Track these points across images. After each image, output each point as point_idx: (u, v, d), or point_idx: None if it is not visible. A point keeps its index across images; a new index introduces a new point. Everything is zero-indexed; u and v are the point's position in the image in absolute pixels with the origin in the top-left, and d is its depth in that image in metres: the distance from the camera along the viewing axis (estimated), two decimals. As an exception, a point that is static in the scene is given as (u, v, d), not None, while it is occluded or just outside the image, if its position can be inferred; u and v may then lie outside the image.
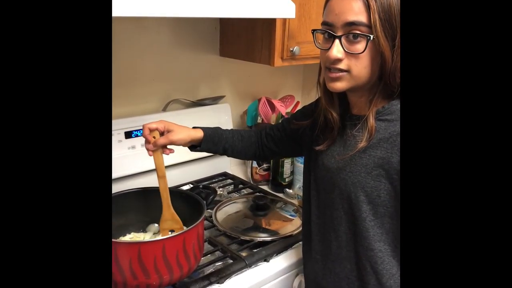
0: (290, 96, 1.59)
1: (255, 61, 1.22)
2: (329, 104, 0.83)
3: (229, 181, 1.40)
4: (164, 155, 0.91)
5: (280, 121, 1.05)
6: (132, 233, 1.00)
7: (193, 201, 0.96)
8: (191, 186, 1.34)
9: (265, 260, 0.98)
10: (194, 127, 0.97)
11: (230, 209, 1.19)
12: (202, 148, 0.96)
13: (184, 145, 0.94)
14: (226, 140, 0.99)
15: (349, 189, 0.78)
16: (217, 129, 1.00)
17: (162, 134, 0.90)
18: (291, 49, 1.15)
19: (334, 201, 0.81)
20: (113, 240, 0.79)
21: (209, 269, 0.95)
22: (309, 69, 1.69)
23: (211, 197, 0.99)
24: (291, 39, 1.15)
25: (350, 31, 0.71)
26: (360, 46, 0.71)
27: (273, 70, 1.57)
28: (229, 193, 1.31)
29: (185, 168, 1.34)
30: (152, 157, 0.90)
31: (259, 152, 1.04)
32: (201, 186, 1.03)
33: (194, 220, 0.95)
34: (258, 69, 1.47)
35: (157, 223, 1.02)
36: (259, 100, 1.49)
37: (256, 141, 1.04)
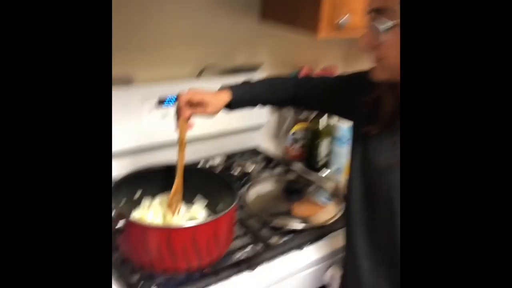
0: (331, 68, 1.49)
1: (298, 28, 1.12)
2: (388, 89, 0.75)
3: (261, 157, 1.34)
4: None
5: (329, 78, 0.97)
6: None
7: (226, 183, 0.91)
8: (222, 160, 1.28)
9: (297, 249, 0.93)
10: (222, 87, 0.91)
11: (261, 189, 1.13)
12: (231, 111, 0.92)
13: None
14: (259, 96, 0.94)
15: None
16: (247, 86, 0.93)
17: (193, 105, 0.85)
18: (339, 19, 1.04)
19: (381, 199, 0.74)
20: (143, 223, 0.74)
21: (239, 254, 0.90)
22: (355, 40, 1.56)
23: (244, 179, 0.92)
24: (339, 8, 1.04)
25: (384, 17, 0.65)
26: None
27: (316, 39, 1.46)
28: (260, 170, 1.25)
29: (216, 141, 1.28)
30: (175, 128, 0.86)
31: (296, 104, 1.00)
32: (234, 166, 0.96)
33: (226, 204, 0.90)
34: (300, 36, 1.36)
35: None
36: (299, 70, 1.39)
37: (294, 92, 0.97)
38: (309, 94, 0.95)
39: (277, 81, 0.98)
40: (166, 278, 0.80)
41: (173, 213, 0.88)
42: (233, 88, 0.91)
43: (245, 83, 0.94)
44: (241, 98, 0.91)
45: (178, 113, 0.85)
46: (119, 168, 1.12)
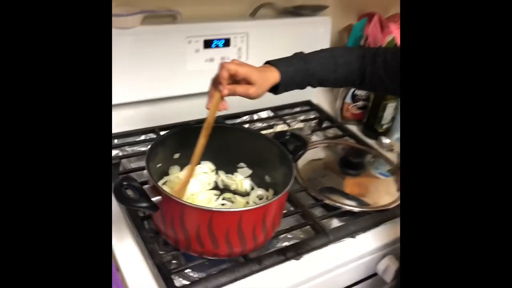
0: (405, 16, 1.26)
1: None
2: None
3: (313, 114, 1.19)
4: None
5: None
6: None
7: (280, 154, 0.77)
8: (269, 115, 1.14)
9: (351, 237, 0.81)
10: (267, 62, 0.73)
11: (312, 155, 1.00)
12: (276, 94, 0.75)
13: None
14: (313, 76, 0.75)
15: None
16: (301, 62, 0.74)
17: (236, 81, 0.68)
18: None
19: None
20: (182, 201, 0.63)
21: (286, 239, 0.79)
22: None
23: (300, 152, 0.79)
24: None
25: None
26: None
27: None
28: (312, 131, 1.10)
29: (265, 92, 1.13)
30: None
31: (360, 81, 0.79)
32: (288, 134, 0.82)
33: (275, 177, 0.79)
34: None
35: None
36: (369, 17, 1.18)
37: (359, 68, 0.77)
38: (380, 70, 0.75)
39: (337, 53, 0.77)
40: (204, 262, 0.70)
41: None
42: (282, 65, 0.72)
43: (297, 57, 0.75)
44: (292, 79, 0.73)
45: (216, 87, 0.68)
46: (159, 117, 1.01)
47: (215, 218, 0.64)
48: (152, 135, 0.99)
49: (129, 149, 0.95)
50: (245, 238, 0.67)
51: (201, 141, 0.70)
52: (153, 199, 0.65)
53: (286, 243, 0.79)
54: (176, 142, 0.80)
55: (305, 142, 0.81)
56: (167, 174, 0.82)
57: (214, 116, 0.69)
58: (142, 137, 0.98)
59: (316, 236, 0.78)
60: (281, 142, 0.79)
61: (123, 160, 0.91)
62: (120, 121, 0.96)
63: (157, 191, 0.65)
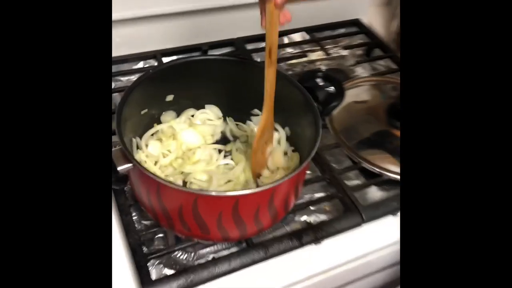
0: None
1: None
2: None
3: (361, 38, 0.93)
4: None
5: None
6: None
7: (306, 104, 0.56)
8: (304, 37, 0.90)
9: (392, 214, 0.62)
10: None
11: (353, 96, 0.77)
12: None
13: None
14: None
15: None
16: None
17: None
18: None
19: None
20: (157, 178, 0.46)
21: (307, 210, 0.62)
22: None
23: (333, 104, 0.57)
24: None
25: None
26: None
27: None
28: (357, 62, 0.86)
29: (298, 7, 0.87)
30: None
31: None
32: (321, 73, 0.60)
33: (296, 130, 0.61)
34: None
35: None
36: None
37: None
38: None
39: None
40: (196, 242, 0.55)
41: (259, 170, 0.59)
42: None
43: None
44: None
45: None
46: (161, 39, 0.81)
47: (201, 202, 0.46)
48: (153, 62, 0.80)
49: (123, 79, 0.78)
50: (245, 223, 0.50)
51: (268, 72, 0.52)
52: (122, 167, 0.48)
53: (305, 218, 0.62)
54: (169, 79, 0.61)
55: (342, 90, 0.59)
56: (159, 121, 0.64)
57: (276, 37, 0.50)
58: (140, 64, 0.80)
59: (345, 215, 0.60)
60: (308, 87, 0.58)
61: (115, 95, 0.74)
62: (113, 43, 0.76)
63: (125, 159, 0.47)
